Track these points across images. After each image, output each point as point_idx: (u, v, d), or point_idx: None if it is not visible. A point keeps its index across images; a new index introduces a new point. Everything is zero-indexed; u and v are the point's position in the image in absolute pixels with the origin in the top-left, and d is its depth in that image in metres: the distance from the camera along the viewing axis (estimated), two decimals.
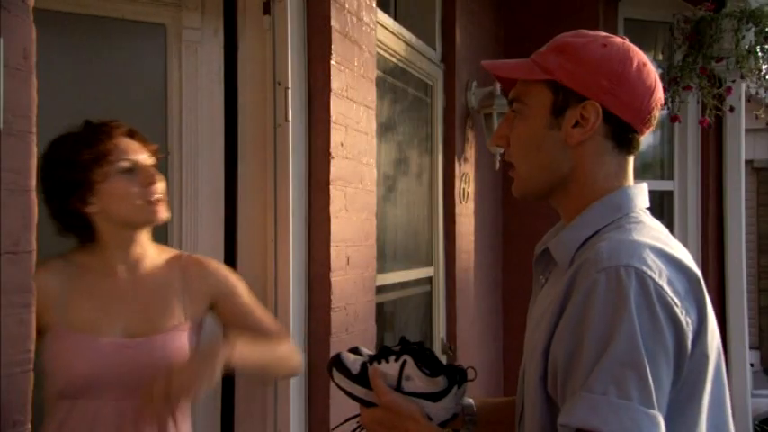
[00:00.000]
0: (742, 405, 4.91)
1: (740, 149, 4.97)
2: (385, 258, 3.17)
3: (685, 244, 5.36)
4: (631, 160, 1.26)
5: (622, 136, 1.21)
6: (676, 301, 1.06)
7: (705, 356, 1.09)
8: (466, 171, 3.96)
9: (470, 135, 4.04)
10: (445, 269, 3.80)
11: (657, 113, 1.24)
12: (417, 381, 1.29)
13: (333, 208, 2.43)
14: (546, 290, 1.25)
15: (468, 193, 3.96)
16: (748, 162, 6.75)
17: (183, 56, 2.30)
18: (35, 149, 1.37)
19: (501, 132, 1.26)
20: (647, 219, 1.21)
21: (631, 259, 1.07)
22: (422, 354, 1.31)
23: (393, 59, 3.32)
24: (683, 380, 1.07)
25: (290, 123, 2.35)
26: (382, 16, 3.05)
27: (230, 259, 2.35)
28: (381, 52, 3.09)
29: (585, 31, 1.24)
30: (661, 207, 5.13)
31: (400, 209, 3.49)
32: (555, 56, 1.21)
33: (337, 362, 1.36)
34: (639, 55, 1.22)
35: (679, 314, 1.06)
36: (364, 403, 1.33)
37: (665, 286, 1.06)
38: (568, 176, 1.21)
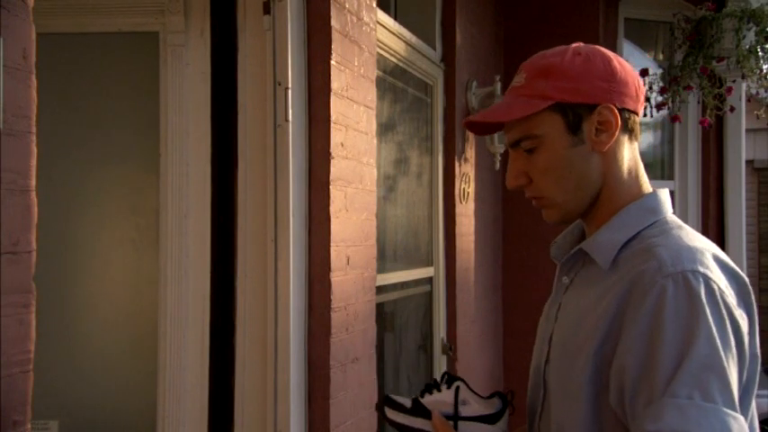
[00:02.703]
0: None
1: (741, 149, 4.97)
2: (385, 258, 3.17)
3: None
4: (637, 147, 1.30)
5: (632, 124, 1.27)
6: (735, 304, 1.10)
7: (756, 357, 1.14)
8: (466, 171, 3.95)
9: (470, 135, 4.04)
10: (445, 269, 3.79)
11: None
12: (474, 404, 1.32)
13: (333, 208, 2.43)
14: (578, 290, 1.27)
15: (468, 193, 3.96)
16: (749, 162, 6.75)
17: (168, 59, 2.35)
18: (35, 149, 1.37)
19: (518, 171, 1.27)
20: (685, 224, 1.26)
21: (695, 264, 1.10)
22: (466, 384, 1.35)
23: (393, 59, 3.32)
24: (745, 378, 1.11)
25: (290, 123, 2.35)
26: (382, 16, 3.05)
27: (230, 259, 2.35)
28: (381, 52, 3.09)
29: (550, 50, 1.28)
30: None
31: (400, 209, 3.49)
32: (545, 81, 1.23)
33: (388, 400, 1.39)
34: (606, 50, 1.28)
35: (738, 317, 1.09)
36: None
37: (725, 290, 1.10)
38: (600, 184, 1.25)
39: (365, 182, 2.69)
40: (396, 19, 3.30)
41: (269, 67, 2.36)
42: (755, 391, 1.15)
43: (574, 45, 1.27)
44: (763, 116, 4.49)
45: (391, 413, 1.37)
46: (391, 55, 3.28)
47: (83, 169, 2.65)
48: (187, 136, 2.36)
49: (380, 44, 3.02)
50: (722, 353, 1.04)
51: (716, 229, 4.97)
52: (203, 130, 2.38)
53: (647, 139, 5.38)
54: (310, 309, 2.42)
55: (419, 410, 1.34)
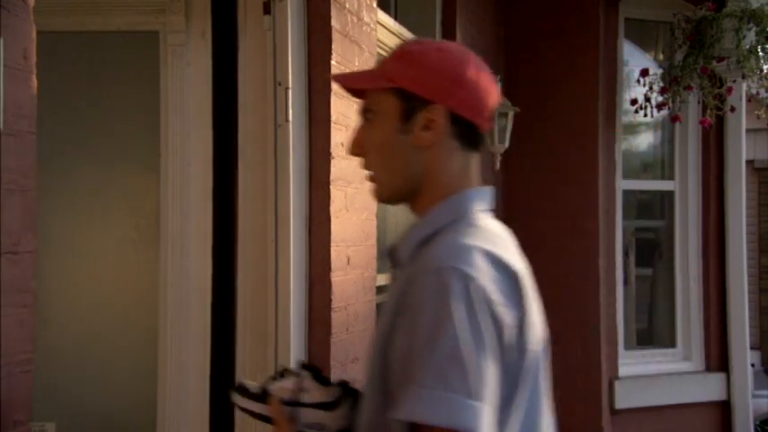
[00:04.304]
0: (743, 405, 4.92)
1: (741, 149, 4.97)
2: (385, 258, 3.17)
3: (686, 244, 5.37)
4: (477, 158, 1.33)
5: (467, 134, 1.28)
6: (498, 299, 1.13)
7: (526, 351, 1.17)
8: None
9: None
10: None
11: (494, 109, 1.32)
12: (314, 392, 1.35)
13: (333, 208, 2.43)
14: (391, 285, 1.32)
15: None
16: (749, 162, 6.74)
17: (169, 59, 2.35)
18: (35, 149, 1.37)
19: (356, 140, 1.31)
20: (484, 221, 1.28)
21: (456, 261, 1.13)
22: (318, 372, 1.39)
23: None
24: (509, 372, 1.14)
25: (291, 123, 2.35)
26: (383, 16, 3.05)
27: (230, 259, 2.35)
28: (382, 52, 3.08)
29: (424, 38, 1.34)
30: (661, 207, 5.14)
31: (400, 209, 3.48)
32: (397, 64, 1.27)
33: (240, 386, 1.42)
34: (474, 57, 1.30)
35: (499, 312, 1.12)
36: (266, 419, 1.38)
37: (487, 285, 1.12)
38: (420, 179, 1.27)
39: (365, 182, 2.68)
40: (396, 19, 3.30)
41: (269, 67, 2.36)
42: (538, 383, 1.20)
43: (445, 41, 1.31)
44: (764, 116, 4.49)
45: (239, 399, 1.41)
46: None
47: (83, 169, 2.65)
48: (188, 136, 2.36)
49: (381, 44, 3.02)
50: (469, 346, 1.08)
51: (716, 229, 4.96)
52: (204, 129, 2.38)
53: (647, 139, 5.38)
54: (310, 309, 2.42)
55: (264, 397, 1.38)
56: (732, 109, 4.41)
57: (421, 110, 1.24)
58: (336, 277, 2.45)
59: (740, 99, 4.67)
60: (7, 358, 1.28)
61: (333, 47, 2.44)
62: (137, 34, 2.47)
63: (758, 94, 4.80)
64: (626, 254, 4.96)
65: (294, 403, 1.35)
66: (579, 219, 4.48)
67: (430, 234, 1.24)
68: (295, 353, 2.32)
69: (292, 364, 2.25)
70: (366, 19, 2.72)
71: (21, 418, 1.32)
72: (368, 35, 2.74)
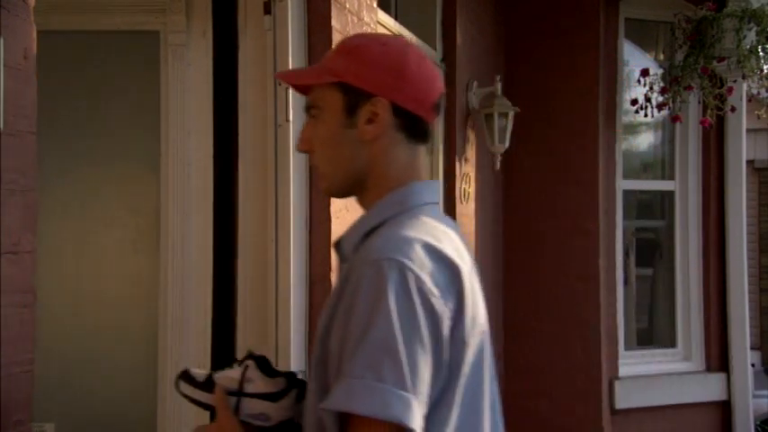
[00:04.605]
0: (743, 405, 4.91)
1: (741, 149, 4.97)
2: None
3: (686, 244, 5.36)
4: (423, 150, 1.34)
5: (412, 127, 1.29)
6: (435, 291, 1.13)
7: (464, 343, 1.17)
8: (467, 171, 3.95)
9: (471, 135, 4.04)
10: None
11: (440, 102, 1.32)
12: (258, 382, 1.36)
13: (333, 208, 2.43)
14: (336, 279, 1.33)
15: (468, 193, 3.96)
16: (749, 162, 6.74)
17: (170, 59, 2.35)
18: (36, 149, 1.37)
19: (304, 137, 1.33)
20: (428, 214, 1.28)
21: (395, 253, 1.14)
22: (264, 361, 1.39)
23: None
24: (445, 364, 1.14)
25: (291, 123, 2.35)
26: (383, 16, 3.05)
27: (230, 259, 2.35)
28: None
29: (366, 32, 1.33)
30: (662, 207, 5.14)
31: None
32: (340, 58, 1.29)
33: (185, 374, 1.43)
34: (417, 50, 1.31)
35: (436, 304, 1.13)
36: (209, 408, 1.40)
37: (425, 278, 1.13)
38: (366, 172, 1.29)
39: None
40: (396, 19, 3.30)
41: (269, 67, 2.36)
42: (480, 381, 1.20)
43: (390, 36, 1.32)
44: (764, 116, 4.49)
45: (184, 386, 1.42)
46: None
47: (83, 169, 2.65)
48: (188, 136, 2.36)
49: None
50: (403, 337, 1.08)
51: (716, 230, 4.96)
52: (204, 129, 2.38)
53: (647, 139, 5.38)
54: (311, 309, 2.42)
55: (209, 385, 1.38)
56: (732, 109, 4.41)
57: (365, 104, 1.26)
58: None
59: (740, 99, 4.67)
60: (8, 358, 1.28)
61: (333, 47, 2.43)
62: (137, 34, 2.47)
63: (758, 94, 4.80)
64: (626, 254, 4.96)
65: (238, 393, 1.35)
66: (579, 219, 4.48)
67: (374, 226, 1.25)
68: (295, 353, 2.32)
69: (293, 366, 2.25)
70: (366, 19, 2.72)
71: (21, 418, 1.32)
72: None
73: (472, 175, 4.04)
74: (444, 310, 1.14)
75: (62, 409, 2.56)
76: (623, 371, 4.71)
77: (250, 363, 1.37)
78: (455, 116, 3.83)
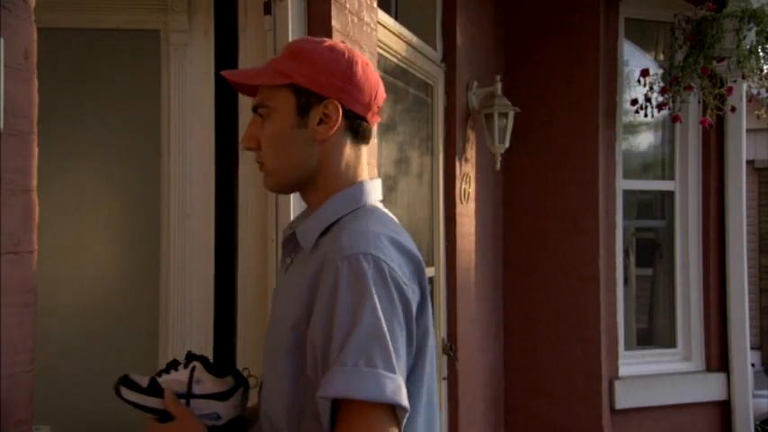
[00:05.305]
0: (743, 405, 4.92)
1: (741, 149, 4.97)
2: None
3: (686, 244, 5.38)
4: (365, 150, 1.42)
5: (358, 129, 1.38)
6: (405, 281, 1.23)
7: (427, 328, 1.29)
8: (467, 171, 3.95)
9: (471, 135, 4.04)
10: (446, 269, 3.79)
11: (382, 105, 1.42)
12: (207, 383, 1.39)
13: None
14: (292, 269, 1.39)
15: (468, 193, 3.96)
16: (749, 162, 6.74)
17: (171, 58, 2.34)
18: (36, 150, 1.37)
19: (250, 135, 1.39)
20: (381, 211, 1.38)
21: (368, 247, 1.22)
22: (207, 361, 1.41)
23: (394, 59, 3.32)
24: (415, 347, 1.25)
25: None
26: (383, 16, 3.05)
27: (231, 259, 2.35)
28: (382, 52, 3.09)
29: (313, 37, 1.43)
30: (662, 207, 5.14)
31: (401, 209, 3.49)
32: (291, 61, 1.35)
33: (125, 380, 1.43)
34: (362, 57, 1.40)
35: (407, 292, 1.23)
36: (158, 413, 1.40)
37: (396, 269, 1.23)
38: (316, 170, 1.37)
39: None
40: (396, 19, 3.30)
41: None
42: (429, 357, 1.29)
43: (336, 42, 1.39)
44: (764, 116, 4.49)
45: (126, 392, 1.42)
46: (392, 55, 3.28)
47: (83, 169, 2.65)
48: (189, 135, 2.36)
49: (381, 44, 3.02)
50: (386, 324, 1.17)
51: (716, 230, 4.96)
52: (205, 129, 2.38)
53: (647, 139, 5.38)
54: None
55: (154, 390, 1.40)
56: (732, 109, 4.41)
57: (316, 105, 1.33)
58: None
59: (740, 99, 4.67)
60: (8, 358, 1.28)
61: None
62: (138, 33, 2.46)
63: (758, 94, 4.80)
64: (626, 254, 4.96)
65: (188, 395, 1.37)
66: (579, 218, 4.48)
67: (332, 223, 1.33)
68: None
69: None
70: (366, 19, 2.72)
71: (22, 418, 1.32)
72: (368, 35, 2.74)
73: (472, 175, 4.04)
74: (414, 297, 1.24)
75: (59, 410, 2.55)
76: (623, 371, 4.71)
77: (197, 364, 1.40)
78: (455, 116, 3.83)
